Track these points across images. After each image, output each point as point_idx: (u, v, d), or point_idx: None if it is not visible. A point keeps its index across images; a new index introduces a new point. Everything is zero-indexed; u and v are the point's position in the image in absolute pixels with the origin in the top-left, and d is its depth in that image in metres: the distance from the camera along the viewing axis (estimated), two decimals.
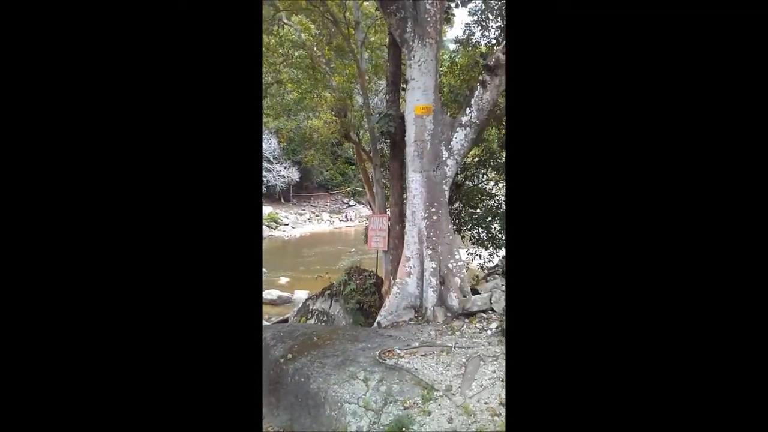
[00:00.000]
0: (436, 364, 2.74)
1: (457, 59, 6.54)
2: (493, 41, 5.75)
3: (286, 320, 6.67)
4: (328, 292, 5.98)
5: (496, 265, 5.59)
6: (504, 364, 2.63)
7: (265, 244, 16.51)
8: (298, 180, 25.47)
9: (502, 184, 6.45)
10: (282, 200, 26.55)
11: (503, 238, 5.97)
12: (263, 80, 6.19)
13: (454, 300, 3.70)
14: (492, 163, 6.02)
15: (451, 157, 4.02)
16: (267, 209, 22.69)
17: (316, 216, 26.33)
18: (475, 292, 3.96)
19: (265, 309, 8.05)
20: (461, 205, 6.18)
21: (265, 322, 6.53)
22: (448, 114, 4.62)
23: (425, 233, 3.92)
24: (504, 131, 5.87)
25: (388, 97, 4.92)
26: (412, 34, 3.87)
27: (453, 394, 2.38)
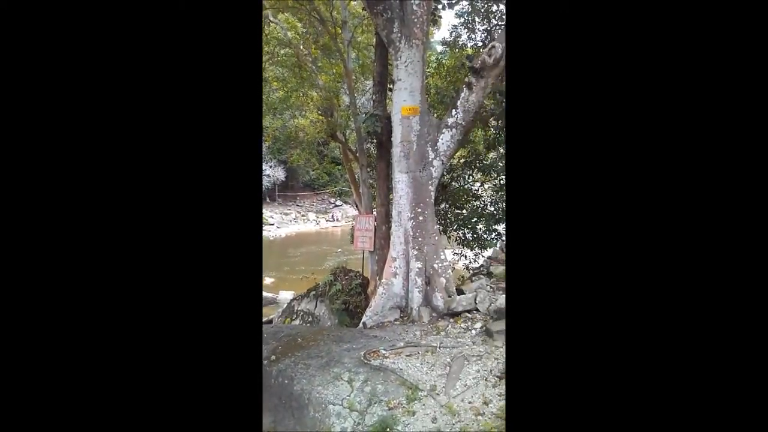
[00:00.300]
0: (421, 364, 2.74)
1: (444, 61, 6.58)
2: (480, 43, 5.81)
3: (270, 321, 6.59)
4: (314, 292, 5.94)
5: (481, 266, 5.63)
6: (488, 363, 2.66)
7: None
8: (283, 179, 25.26)
9: (487, 185, 6.52)
10: (267, 200, 26.27)
11: (488, 238, 6.04)
12: None
13: (439, 300, 3.71)
14: (478, 165, 6.08)
15: (437, 158, 4.04)
16: None
17: (302, 216, 26.14)
18: (460, 292, 3.99)
19: None
20: (447, 205, 6.22)
21: None
22: (435, 115, 4.65)
23: (411, 234, 3.93)
24: (489, 133, 5.94)
25: (374, 97, 4.92)
26: (399, 35, 3.87)
27: (437, 394, 2.39)
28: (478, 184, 6.61)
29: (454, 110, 4.05)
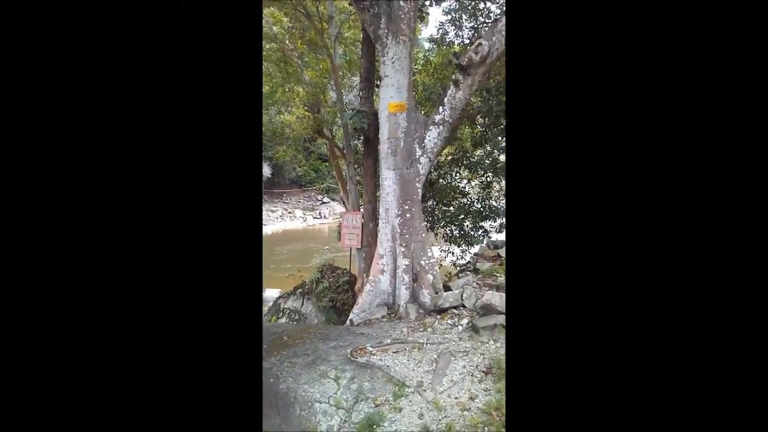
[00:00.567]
0: (408, 360, 2.75)
1: (431, 58, 6.58)
2: (467, 41, 5.82)
3: None
4: (300, 290, 5.90)
5: (468, 262, 5.68)
6: (474, 359, 2.68)
7: None
8: (269, 176, 24.94)
9: (474, 183, 6.57)
10: None
11: (475, 235, 6.09)
12: None
13: (426, 297, 3.72)
14: (465, 162, 6.11)
15: (425, 155, 4.04)
16: None
17: (289, 213, 25.90)
18: (447, 288, 4.01)
19: None
20: (434, 202, 6.25)
21: None
22: (422, 112, 4.64)
23: (398, 231, 3.92)
24: (476, 130, 5.97)
25: (361, 93, 4.88)
26: (386, 31, 3.85)
27: (424, 390, 2.39)
28: (465, 181, 6.65)
29: (441, 107, 4.06)
